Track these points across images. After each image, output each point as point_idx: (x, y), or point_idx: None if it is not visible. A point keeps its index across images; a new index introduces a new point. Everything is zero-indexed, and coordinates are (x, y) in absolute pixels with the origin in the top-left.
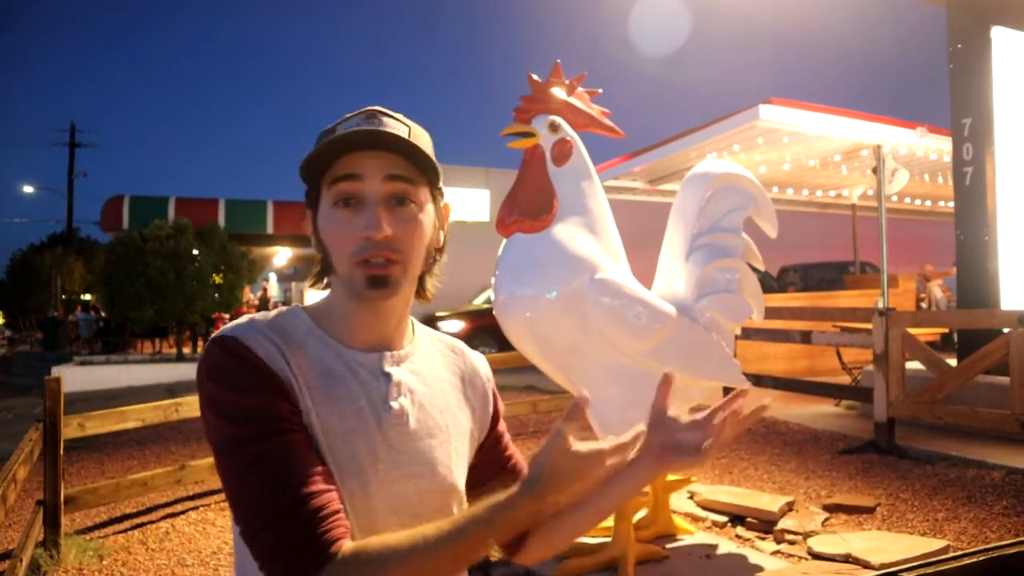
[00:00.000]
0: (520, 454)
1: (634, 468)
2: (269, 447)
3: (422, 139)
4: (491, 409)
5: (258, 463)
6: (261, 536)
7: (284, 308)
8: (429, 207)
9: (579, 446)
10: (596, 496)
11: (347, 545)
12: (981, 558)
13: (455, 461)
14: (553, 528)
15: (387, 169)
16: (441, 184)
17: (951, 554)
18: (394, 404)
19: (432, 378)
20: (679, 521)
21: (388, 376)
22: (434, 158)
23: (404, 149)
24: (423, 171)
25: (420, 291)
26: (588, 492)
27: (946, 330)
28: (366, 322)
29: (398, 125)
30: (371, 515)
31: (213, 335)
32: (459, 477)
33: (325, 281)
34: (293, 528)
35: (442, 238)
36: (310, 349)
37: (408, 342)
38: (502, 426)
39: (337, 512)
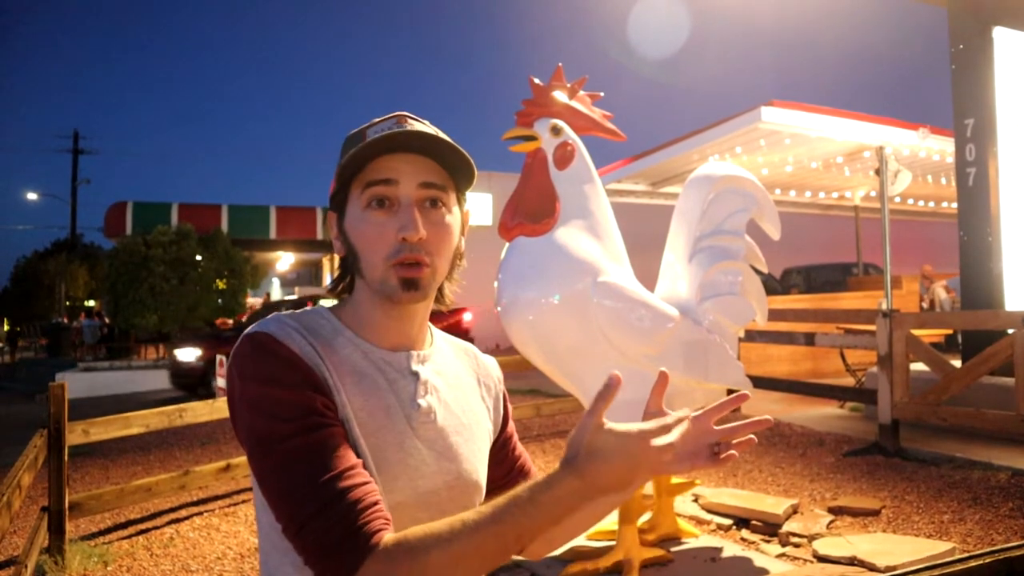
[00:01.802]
0: (528, 456)
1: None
2: (307, 443)
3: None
4: (502, 410)
5: (297, 460)
6: (304, 533)
7: (308, 308)
8: (456, 211)
9: (615, 425)
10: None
11: (388, 536)
12: (987, 560)
13: (478, 458)
14: None
15: (421, 175)
16: (467, 189)
17: (957, 556)
18: (422, 402)
19: (453, 377)
20: (684, 524)
21: (416, 375)
22: (470, 160)
23: (439, 149)
24: (452, 176)
25: (439, 296)
26: (643, 478)
27: (950, 331)
28: (392, 324)
29: (427, 129)
30: (399, 511)
31: (244, 332)
32: (482, 474)
33: (340, 287)
34: (335, 522)
35: (463, 244)
36: (338, 347)
37: (428, 344)
38: (511, 427)
39: (376, 503)
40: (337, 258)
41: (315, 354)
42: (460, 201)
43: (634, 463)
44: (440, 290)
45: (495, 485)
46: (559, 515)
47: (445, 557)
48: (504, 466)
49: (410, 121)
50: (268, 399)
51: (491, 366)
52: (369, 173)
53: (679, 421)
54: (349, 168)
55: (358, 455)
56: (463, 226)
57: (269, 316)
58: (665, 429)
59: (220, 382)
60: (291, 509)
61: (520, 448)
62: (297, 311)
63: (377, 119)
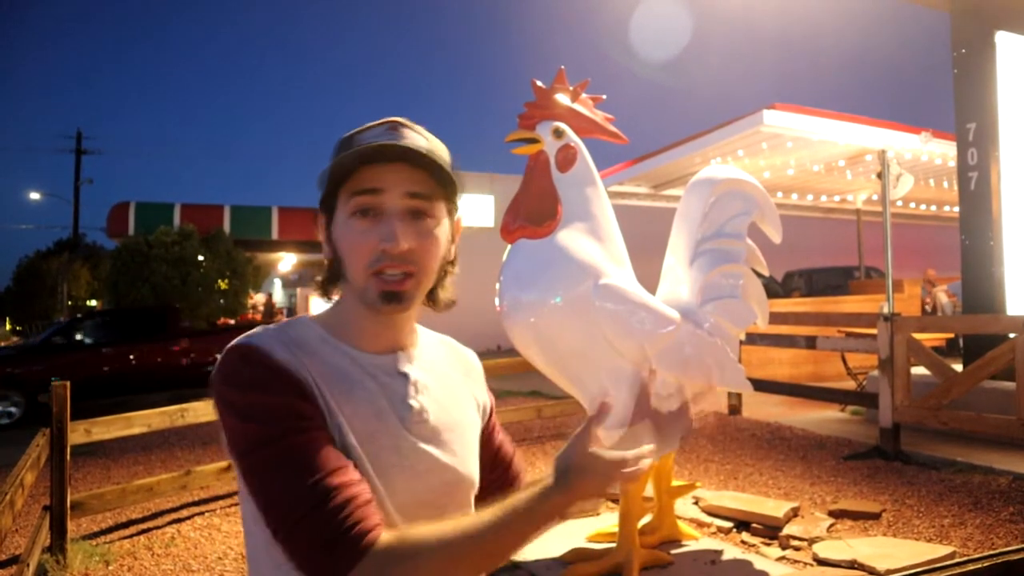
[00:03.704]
0: (510, 441)
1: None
2: (295, 444)
3: (442, 154)
4: (485, 398)
5: (285, 461)
6: (294, 534)
7: (293, 319)
8: (445, 221)
9: (599, 451)
10: None
11: (384, 536)
12: (987, 564)
13: (470, 452)
14: None
15: (407, 185)
16: (457, 199)
17: (957, 560)
18: (413, 402)
19: (441, 374)
20: (684, 527)
21: (405, 376)
22: (453, 175)
23: (425, 164)
24: (441, 186)
25: (433, 302)
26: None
27: (952, 335)
28: (379, 330)
29: (419, 138)
30: (399, 512)
31: (229, 345)
32: (474, 469)
33: (330, 289)
34: (327, 522)
35: (453, 252)
36: (325, 356)
37: (414, 344)
38: (495, 417)
39: (369, 502)
40: None
41: (299, 365)
42: (450, 210)
43: (605, 485)
44: (434, 294)
45: (480, 472)
46: (545, 526)
47: (440, 562)
48: (488, 451)
49: (402, 129)
50: (254, 405)
51: (471, 356)
52: (356, 181)
53: (646, 454)
54: (336, 174)
55: (351, 460)
56: (454, 234)
57: (254, 329)
58: (638, 459)
59: None
60: (281, 511)
61: (501, 433)
62: (282, 322)
63: (370, 124)
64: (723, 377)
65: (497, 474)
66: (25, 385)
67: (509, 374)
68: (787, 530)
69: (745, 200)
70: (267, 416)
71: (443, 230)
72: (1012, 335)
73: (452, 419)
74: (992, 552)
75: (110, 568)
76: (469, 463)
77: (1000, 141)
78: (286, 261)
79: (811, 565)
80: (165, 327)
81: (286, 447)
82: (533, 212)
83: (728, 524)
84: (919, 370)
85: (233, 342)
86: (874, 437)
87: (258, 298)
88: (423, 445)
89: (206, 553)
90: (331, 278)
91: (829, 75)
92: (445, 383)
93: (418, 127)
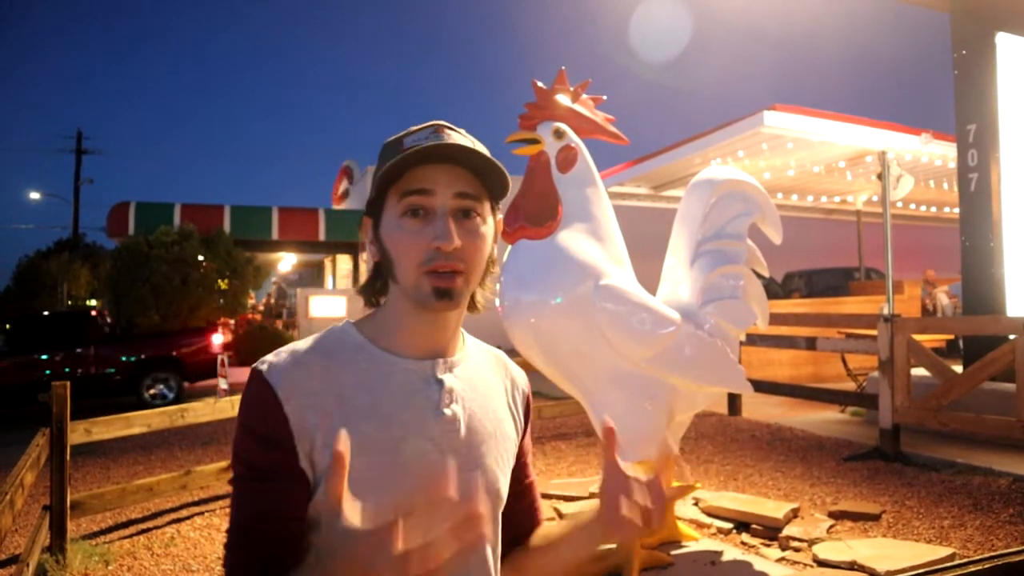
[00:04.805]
0: (536, 479)
1: (584, 533)
2: (248, 490)
3: (488, 153)
4: (523, 422)
5: (239, 501)
6: (224, 562)
7: (333, 327)
8: (490, 220)
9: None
10: (549, 559)
11: None
12: (987, 566)
13: (502, 468)
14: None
15: (457, 186)
16: (501, 199)
17: (957, 561)
18: (446, 410)
19: (482, 385)
20: (684, 527)
21: (441, 383)
22: (505, 171)
23: (475, 162)
24: (487, 186)
25: (471, 303)
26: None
27: (952, 336)
28: (424, 331)
29: (464, 140)
30: (420, 524)
31: (256, 363)
32: (504, 484)
33: (376, 292)
34: (238, 565)
35: (495, 251)
36: (358, 364)
37: (459, 350)
38: (528, 443)
39: (282, 559)
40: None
41: (302, 395)
42: (494, 210)
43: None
44: (472, 297)
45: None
46: None
47: None
48: (514, 478)
49: (447, 131)
50: (237, 437)
51: (519, 376)
52: (406, 182)
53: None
54: (387, 177)
55: (356, 479)
56: (496, 234)
57: (286, 347)
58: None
59: (223, 383)
60: (225, 541)
61: (530, 469)
62: (321, 332)
63: (414, 128)
64: (723, 378)
65: (514, 509)
66: None
67: None
68: (787, 531)
69: (745, 201)
70: (239, 453)
71: (489, 229)
72: (1012, 336)
73: (487, 431)
74: (992, 554)
75: (110, 568)
76: (498, 478)
77: (1000, 142)
78: (286, 261)
79: (811, 566)
80: (81, 333)
81: (242, 489)
82: (534, 213)
83: (728, 525)
84: (919, 371)
85: (259, 361)
86: (874, 438)
87: (272, 286)
88: (451, 455)
89: (206, 553)
90: (375, 278)
91: (829, 76)
92: (485, 394)
93: (460, 130)
